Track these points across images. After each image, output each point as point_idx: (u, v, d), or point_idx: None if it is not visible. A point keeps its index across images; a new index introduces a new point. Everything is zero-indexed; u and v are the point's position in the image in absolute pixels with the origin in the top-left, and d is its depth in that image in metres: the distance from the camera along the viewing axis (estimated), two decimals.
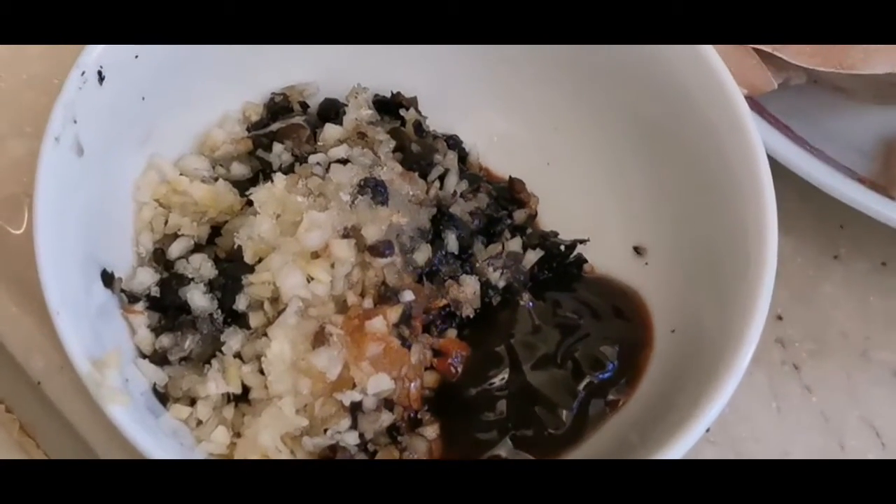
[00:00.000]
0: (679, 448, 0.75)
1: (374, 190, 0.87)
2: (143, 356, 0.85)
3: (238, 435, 0.83)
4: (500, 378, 0.88)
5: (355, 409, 0.82)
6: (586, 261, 0.96)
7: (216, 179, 0.93)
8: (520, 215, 0.96)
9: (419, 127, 0.96)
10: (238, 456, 0.82)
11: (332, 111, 0.97)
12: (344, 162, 0.89)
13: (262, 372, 0.83)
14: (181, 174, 0.92)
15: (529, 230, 0.96)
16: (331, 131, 0.94)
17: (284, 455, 0.81)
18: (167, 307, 0.86)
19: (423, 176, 0.92)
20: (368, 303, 0.85)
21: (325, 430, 0.82)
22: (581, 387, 0.88)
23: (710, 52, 0.88)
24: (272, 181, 0.89)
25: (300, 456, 0.82)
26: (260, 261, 0.86)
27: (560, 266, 0.95)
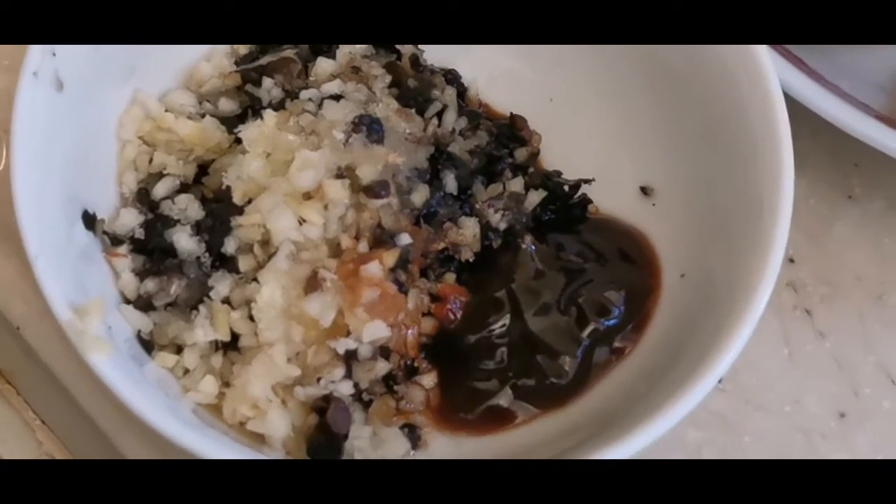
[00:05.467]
0: (690, 399, 0.73)
1: (369, 128, 0.84)
2: (127, 302, 0.82)
3: (227, 384, 0.80)
4: (500, 325, 0.86)
5: (350, 357, 0.80)
6: (591, 201, 0.93)
7: (203, 116, 0.90)
8: (521, 154, 0.93)
9: (416, 61, 0.93)
10: (227, 405, 0.79)
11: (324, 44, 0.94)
12: (337, 98, 0.87)
13: (251, 318, 0.80)
14: (166, 110, 0.90)
15: (531, 169, 0.93)
16: (323, 65, 0.91)
17: (275, 405, 0.79)
18: (152, 250, 0.84)
19: (421, 113, 0.90)
20: (363, 246, 0.82)
21: (319, 380, 0.80)
22: (585, 334, 0.86)
23: None
24: (262, 118, 0.86)
25: (291, 405, 0.80)
26: (249, 201, 0.83)
27: (563, 207, 0.92)
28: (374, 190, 0.82)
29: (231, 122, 0.88)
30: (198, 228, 0.84)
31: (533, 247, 0.89)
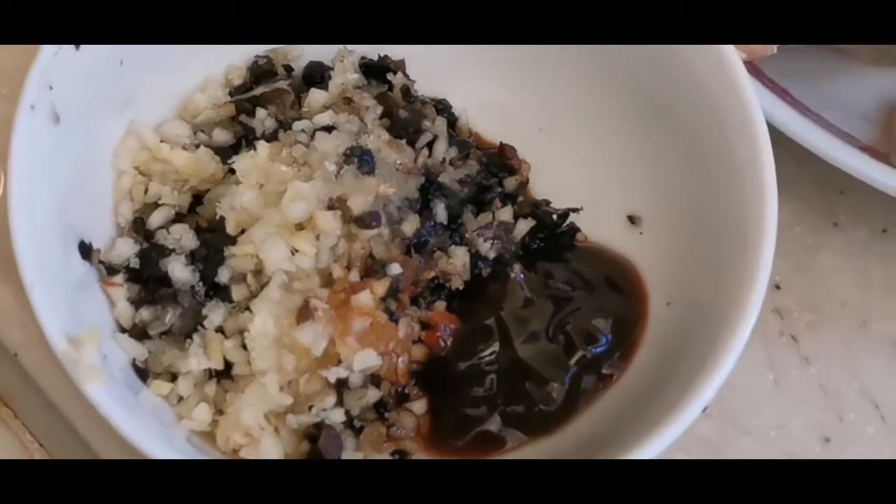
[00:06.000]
0: (677, 426, 0.74)
1: (361, 159, 0.84)
2: (123, 330, 0.83)
3: (220, 412, 0.81)
4: (489, 352, 0.87)
5: (341, 385, 0.80)
6: (579, 230, 0.94)
7: (197, 146, 0.90)
8: (511, 183, 0.94)
9: (407, 92, 0.94)
10: (220, 433, 0.80)
11: (317, 74, 0.95)
12: (329, 129, 0.87)
13: (245, 347, 0.81)
14: (162, 141, 0.90)
15: (521, 198, 0.94)
16: (316, 97, 0.91)
17: (268, 433, 0.79)
18: (147, 279, 0.84)
19: (411, 143, 0.90)
20: (355, 276, 0.83)
21: (310, 408, 0.80)
22: (573, 361, 0.86)
23: None
24: (255, 149, 0.86)
25: (284, 433, 0.80)
26: (243, 232, 0.84)
27: (552, 236, 0.93)
28: (366, 220, 0.83)
29: (225, 153, 0.89)
30: (192, 258, 0.84)
31: (522, 275, 0.90)
